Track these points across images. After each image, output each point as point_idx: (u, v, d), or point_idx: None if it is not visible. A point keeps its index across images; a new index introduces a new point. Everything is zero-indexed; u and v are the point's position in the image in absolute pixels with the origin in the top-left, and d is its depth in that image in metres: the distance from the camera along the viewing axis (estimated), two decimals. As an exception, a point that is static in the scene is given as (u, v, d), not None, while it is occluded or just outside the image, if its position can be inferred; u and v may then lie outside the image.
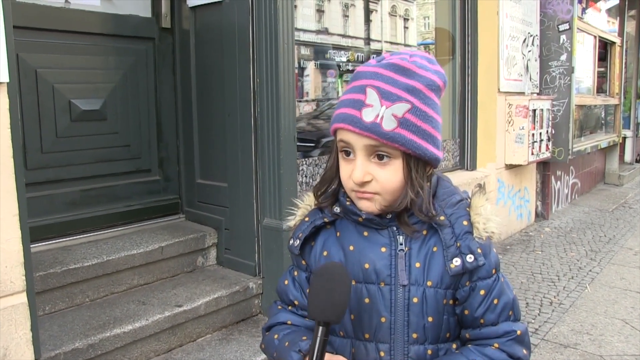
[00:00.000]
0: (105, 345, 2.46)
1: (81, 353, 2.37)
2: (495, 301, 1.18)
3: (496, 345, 1.17)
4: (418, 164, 1.13)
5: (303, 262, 1.30)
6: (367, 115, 1.08)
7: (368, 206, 1.16)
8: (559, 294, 4.06)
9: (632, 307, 3.79)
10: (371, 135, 1.08)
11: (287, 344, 1.20)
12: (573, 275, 4.46)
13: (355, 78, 1.14)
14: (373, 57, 1.19)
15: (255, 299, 3.14)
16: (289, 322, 1.30)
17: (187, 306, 2.78)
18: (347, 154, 1.14)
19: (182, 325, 2.78)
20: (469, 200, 1.21)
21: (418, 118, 1.09)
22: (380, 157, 1.11)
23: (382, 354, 1.19)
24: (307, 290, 1.26)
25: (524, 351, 1.19)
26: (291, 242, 1.29)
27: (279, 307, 1.34)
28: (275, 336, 1.26)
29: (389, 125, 1.07)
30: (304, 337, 1.19)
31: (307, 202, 1.32)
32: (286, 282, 1.33)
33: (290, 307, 1.32)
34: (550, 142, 6.09)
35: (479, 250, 1.14)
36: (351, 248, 1.21)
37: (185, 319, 2.77)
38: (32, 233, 2.21)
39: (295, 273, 1.32)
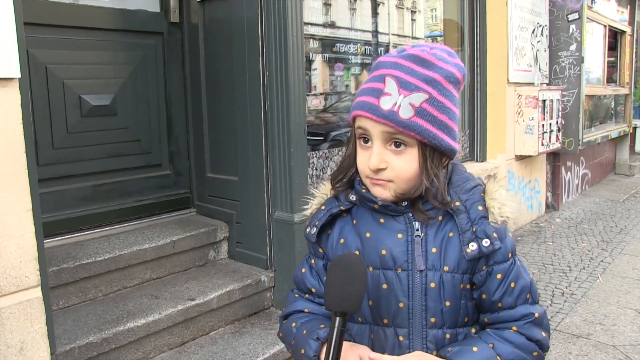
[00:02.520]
0: (119, 339, 2.47)
1: (95, 347, 2.39)
2: (512, 284, 1.19)
3: (514, 328, 1.18)
4: (434, 154, 1.14)
5: (320, 250, 1.31)
6: (385, 104, 1.10)
7: (382, 192, 1.17)
8: (570, 284, 4.05)
9: (644, 297, 3.78)
10: (388, 123, 1.09)
11: (305, 332, 1.21)
12: (584, 266, 4.44)
13: (375, 68, 1.17)
14: (394, 48, 1.22)
15: (268, 292, 3.15)
16: (306, 310, 1.31)
17: (200, 300, 2.79)
18: (365, 140, 1.16)
19: (195, 319, 2.79)
20: (483, 186, 1.22)
21: (435, 108, 1.10)
22: (397, 145, 1.12)
23: (400, 338, 1.20)
24: (325, 278, 1.27)
25: (543, 334, 1.20)
26: (308, 230, 1.31)
27: (296, 295, 1.35)
28: (293, 324, 1.27)
29: (405, 113, 1.09)
30: (322, 325, 1.20)
31: (323, 190, 1.34)
32: (303, 270, 1.35)
33: (307, 295, 1.33)
34: (560, 133, 6.06)
35: (495, 235, 1.16)
36: (368, 235, 1.22)
37: (198, 312, 2.78)
38: (44, 228, 2.22)
39: (313, 261, 1.33)
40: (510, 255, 1.20)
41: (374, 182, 1.17)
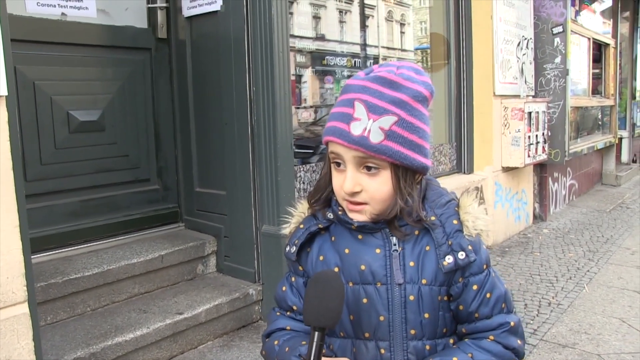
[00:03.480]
0: (107, 354, 2.48)
1: (83, 362, 2.39)
2: (488, 295, 1.22)
3: (491, 337, 1.22)
4: (407, 174, 1.16)
5: (300, 268, 1.33)
6: (355, 129, 1.12)
7: (358, 217, 1.20)
8: (557, 294, 4.08)
9: (629, 305, 3.81)
10: (359, 148, 1.11)
11: (287, 349, 1.24)
12: (571, 276, 4.48)
13: (344, 91, 1.18)
14: (362, 70, 1.22)
15: (256, 305, 3.17)
16: (287, 328, 1.32)
17: (188, 314, 2.80)
18: (338, 164, 1.18)
19: (183, 333, 2.80)
20: (457, 200, 1.26)
21: (405, 129, 1.13)
22: (369, 169, 1.15)
23: (382, 351, 1.22)
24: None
25: (519, 342, 1.23)
26: (287, 249, 1.32)
27: (278, 313, 1.37)
28: (276, 342, 1.28)
29: (376, 138, 1.11)
30: (303, 342, 1.22)
31: (300, 209, 1.36)
32: (284, 288, 1.36)
33: (288, 313, 1.35)
34: (547, 144, 6.11)
35: (470, 247, 1.19)
36: (347, 251, 1.25)
37: (186, 326, 2.79)
38: (32, 244, 2.23)
39: (293, 279, 1.35)
40: (485, 266, 1.23)
41: (350, 207, 1.19)
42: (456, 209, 1.23)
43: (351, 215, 1.21)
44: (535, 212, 6.58)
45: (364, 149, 1.11)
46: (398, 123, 1.12)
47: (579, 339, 3.32)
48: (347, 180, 1.15)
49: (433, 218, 1.20)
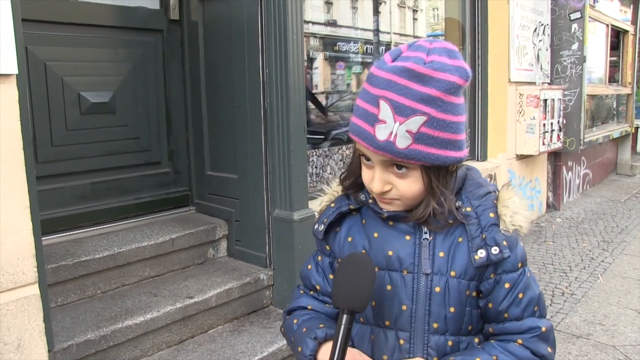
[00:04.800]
0: (117, 337, 2.47)
1: (94, 344, 2.39)
2: (521, 295, 1.16)
3: (520, 341, 1.15)
4: (439, 171, 1.10)
5: (327, 248, 1.30)
6: (380, 134, 1.04)
7: (389, 208, 1.17)
8: (570, 284, 4.04)
9: (645, 297, 3.77)
10: (385, 154, 1.06)
11: (304, 330, 1.21)
12: (585, 266, 4.43)
13: (369, 82, 1.09)
14: (388, 51, 1.12)
15: (267, 290, 3.15)
16: (309, 307, 1.31)
17: (198, 298, 2.79)
18: (367, 159, 1.13)
19: (193, 317, 2.78)
20: (497, 193, 1.19)
21: (435, 129, 1.04)
22: (399, 168, 1.09)
23: (401, 342, 1.19)
24: (331, 277, 1.29)
25: (549, 349, 1.16)
26: (316, 226, 1.30)
27: (301, 291, 1.36)
28: (295, 321, 1.27)
29: (402, 143, 1.03)
30: (321, 325, 1.20)
31: (334, 188, 1.33)
32: (310, 266, 1.34)
33: (312, 292, 1.33)
34: (562, 133, 6.04)
35: (505, 243, 1.13)
36: (375, 235, 1.22)
37: (196, 310, 2.78)
38: (43, 226, 2.21)
39: (319, 258, 1.33)
40: (520, 265, 1.17)
41: (380, 199, 1.16)
42: (495, 201, 1.17)
43: (381, 206, 1.18)
44: (549, 201, 6.51)
45: (390, 155, 1.05)
46: (428, 123, 1.03)
47: (594, 330, 3.28)
48: (375, 182, 1.11)
49: (469, 209, 1.15)
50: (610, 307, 3.61)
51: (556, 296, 3.82)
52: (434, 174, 1.09)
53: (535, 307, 1.18)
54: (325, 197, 1.33)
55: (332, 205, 1.28)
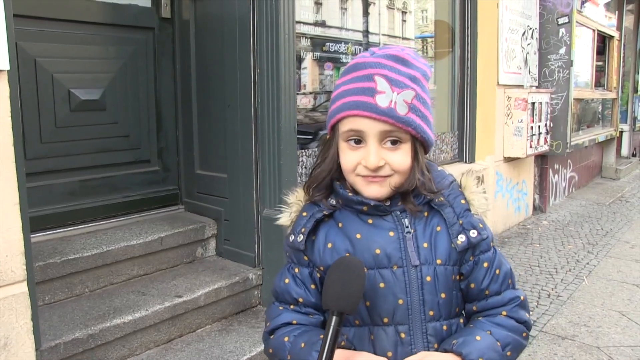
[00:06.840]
0: (105, 336, 2.45)
1: (81, 343, 2.37)
2: (497, 271, 1.25)
3: (504, 313, 1.24)
4: (421, 148, 1.19)
5: (305, 258, 1.27)
6: (382, 101, 1.12)
7: (378, 191, 1.18)
8: (556, 286, 4.08)
9: (628, 299, 3.81)
10: (388, 120, 1.12)
11: (303, 345, 1.18)
12: (571, 268, 4.48)
13: (356, 68, 1.17)
14: (364, 51, 1.26)
15: (255, 290, 3.15)
16: (294, 322, 1.26)
17: (187, 297, 2.78)
18: (357, 142, 1.16)
19: (181, 316, 2.78)
20: (456, 181, 1.29)
21: (421, 104, 1.16)
22: (394, 142, 1.15)
23: (402, 335, 1.21)
24: (312, 287, 1.26)
25: (527, 315, 1.28)
26: (292, 238, 1.26)
27: (280, 307, 1.30)
28: (286, 339, 1.22)
29: (402, 110, 1.12)
30: (322, 336, 1.14)
31: (298, 197, 1.31)
32: (287, 280, 1.29)
33: (292, 306, 1.28)
34: (549, 136, 6.10)
35: (481, 225, 1.22)
36: (358, 236, 1.22)
37: (184, 309, 2.77)
38: (31, 223, 2.19)
39: (296, 270, 1.29)
40: (492, 244, 1.27)
41: (370, 180, 1.17)
42: (460, 189, 1.26)
43: (370, 190, 1.19)
44: (535, 204, 6.57)
45: (393, 120, 1.12)
46: (416, 97, 1.14)
47: (579, 331, 3.31)
48: (371, 155, 1.14)
49: (441, 199, 1.23)
50: (595, 309, 3.65)
51: (542, 298, 3.86)
52: (420, 148, 1.19)
53: (509, 280, 1.28)
54: (293, 207, 1.31)
55: (304, 214, 1.27)
